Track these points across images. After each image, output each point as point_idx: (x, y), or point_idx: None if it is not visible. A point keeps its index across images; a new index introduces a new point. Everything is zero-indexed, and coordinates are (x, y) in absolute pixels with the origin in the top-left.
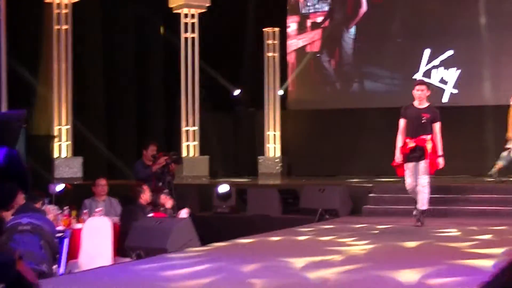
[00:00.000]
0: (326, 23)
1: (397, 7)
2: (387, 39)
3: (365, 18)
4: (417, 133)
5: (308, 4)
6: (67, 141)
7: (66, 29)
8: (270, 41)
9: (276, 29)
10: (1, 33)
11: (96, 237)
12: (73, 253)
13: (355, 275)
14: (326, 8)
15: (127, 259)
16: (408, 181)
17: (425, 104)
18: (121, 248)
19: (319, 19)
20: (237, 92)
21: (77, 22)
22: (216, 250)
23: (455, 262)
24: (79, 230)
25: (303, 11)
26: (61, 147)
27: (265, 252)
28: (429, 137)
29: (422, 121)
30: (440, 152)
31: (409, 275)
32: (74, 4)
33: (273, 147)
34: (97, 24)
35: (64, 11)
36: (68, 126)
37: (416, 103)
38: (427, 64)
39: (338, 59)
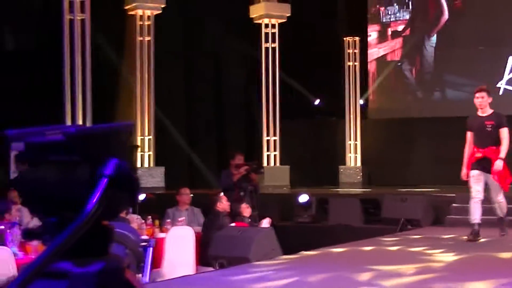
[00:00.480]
0: (407, 31)
1: (479, 14)
2: (469, 47)
3: (446, 26)
4: (485, 143)
5: (389, 12)
6: (149, 151)
7: (148, 41)
8: (350, 50)
9: (357, 38)
10: (86, 46)
11: (179, 246)
12: (157, 262)
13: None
14: (407, 17)
15: (210, 268)
16: (476, 188)
17: (489, 111)
18: (203, 257)
19: (400, 28)
20: (317, 101)
21: (158, 33)
22: (299, 260)
23: None
24: (163, 239)
25: (384, 20)
26: (144, 157)
27: (349, 261)
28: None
29: (488, 129)
30: (502, 154)
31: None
32: (156, 16)
33: (353, 157)
34: (178, 35)
35: (146, 22)
36: (151, 136)
37: (479, 112)
38: (510, 72)
39: (419, 68)
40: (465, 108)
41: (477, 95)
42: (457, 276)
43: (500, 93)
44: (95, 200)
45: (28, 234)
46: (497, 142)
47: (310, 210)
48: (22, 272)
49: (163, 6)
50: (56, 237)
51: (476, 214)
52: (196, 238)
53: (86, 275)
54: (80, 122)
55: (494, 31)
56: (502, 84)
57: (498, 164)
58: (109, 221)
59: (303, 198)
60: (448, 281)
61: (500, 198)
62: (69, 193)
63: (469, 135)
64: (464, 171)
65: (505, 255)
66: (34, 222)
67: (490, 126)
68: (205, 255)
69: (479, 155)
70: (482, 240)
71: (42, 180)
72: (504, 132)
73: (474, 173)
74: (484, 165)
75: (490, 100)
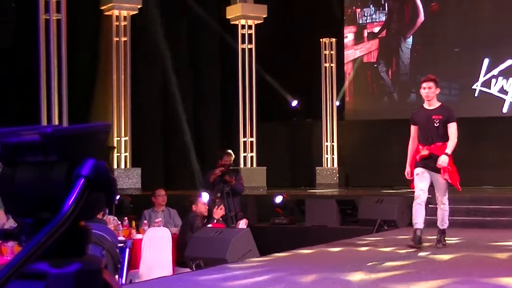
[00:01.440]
0: (383, 33)
1: (454, 16)
2: (444, 48)
3: (422, 28)
4: (431, 139)
5: (365, 14)
6: (125, 152)
7: (125, 41)
8: (327, 52)
9: (333, 40)
10: (62, 46)
11: (156, 247)
12: (134, 263)
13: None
14: (383, 18)
15: (187, 269)
16: (420, 187)
17: (436, 104)
18: (179, 258)
19: (376, 29)
20: (295, 103)
21: (135, 34)
22: (276, 261)
23: (485, 279)
24: (139, 240)
25: (360, 22)
26: (120, 158)
27: (323, 263)
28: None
29: (435, 124)
30: (448, 150)
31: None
32: (132, 16)
33: (330, 158)
34: (155, 36)
35: (123, 23)
36: (127, 138)
37: (425, 105)
38: (486, 74)
39: (395, 69)
40: None
41: (423, 85)
42: (415, 276)
43: (476, 94)
44: (72, 200)
45: (5, 235)
46: (445, 139)
47: (286, 211)
48: None
49: (139, 6)
50: (33, 238)
51: (418, 217)
52: (172, 239)
53: (63, 276)
54: (56, 122)
55: (470, 33)
56: (477, 86)
57: (443, 159)
58: (86, 222)
59: (278, 199)
60: (403, 281)
61: (445, 200)
62: (45, 194)
63: (413, 129)
64: (407, 169)
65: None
66: (9, 223)
67: (437, 120)
68: (182, 256)
69: (424, 152)
70: (458, 240)
71: (18, 180)
72: (452, 127)
73: (419, 170)
74: (430, 163)
75: (438, 91)
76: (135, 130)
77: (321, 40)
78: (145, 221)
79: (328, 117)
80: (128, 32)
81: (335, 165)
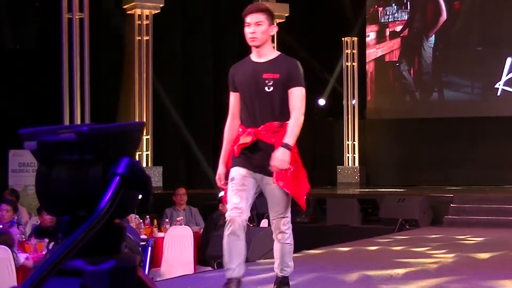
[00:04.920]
0: (406, 32)
1: (477, 15)
2: (467, 47)
3: (444, 27)
4: (259, 116)
5: (387, 13)
6: (147, 150)
7: (147, 40)
8: (348, 51)
9: (355, 39)
10: (85, 45)
11: (178, 246)
12: (155, 262)
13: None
14: (406, 17)
15: (208, 268)
16: (233, 201)
17: (271, 55)
18: (201, 257)
19: (398, 28)
20: (322, 102)
21: (157, 33)
22: (297, 260)
23: None
24: (161, 239)
25: (382, 20)
26: (142, 157)
27: (346, 261)
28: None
29: (267, 89)
30: (288, 139)
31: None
32: (154, 15)
33: (351, 157)
34: (177, 34)
35: (145, 22)
36: (149, 136)
37: (253, 55)
38: (508, 73)
39: (417, 68)
40: (464, 109)
41: (247, 19)
42: (456, 276)
43: (498, 94)
44: (108, 198)
45: (40, 233)
46: (284, 116)
47: (308, 210)
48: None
49: (161, 5)
50: (70, 235)
51: (232, 256)
52: (194, 237)
53: (99, 273)
54: (78, 122)
55: (493, 32)
56: (500, 85)
57: (279, 155)
58: (121, 219)
59: None
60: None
61: (285, 225)
62: (82, 192)
63: (233, 99)
64: (220, 169)
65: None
66: (32, 221)
67: (270, 82)
68: (203, 254)
69: (246, 140)
70: (478, 239)
71: (55, 179)
72: (297, 95)
73: (235, 172)
74: (257, 159)
75: (274, 30)
76: (157, 128)
77: (343, 39)
78: (167, 220)
79: (349, 116)
80: (150, 31)
81: (356, 164)
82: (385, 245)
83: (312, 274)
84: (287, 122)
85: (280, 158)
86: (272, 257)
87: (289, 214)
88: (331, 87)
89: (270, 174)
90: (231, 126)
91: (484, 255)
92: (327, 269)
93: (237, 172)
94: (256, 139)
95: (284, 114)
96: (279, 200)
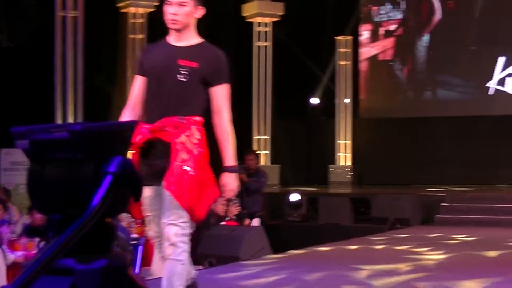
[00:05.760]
0: (400, 31)
1: (471, 15)
2: (460, 46)
3: (438, 26)
4: (161, 108)
5: (381, 12)
6: None
7: (141, 39)
8: (342, 50)
9: (349, 38)
10: (78, 43)
11: None
12: (146, 261)
13: (419, 284)
14: (400, 16)
15: (199, 267)
16: (153, 229)
17: (192, 39)
18: (192, 256)
19: (392, 27)
20: (315, 101)
21: (152, 32)
22: (289, 259)
23: None
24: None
25: (376, 19)
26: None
27: (336, 261)
28: (196, 119)
29: (179, 78)
30: (230, 161)
31: (470, 285)
32: (149, 13)
33: (344, 156)
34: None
35: (139, 20)
36: None
37: (171, 37)
38: (501, 72)
39: (411, 67)
40: (456, 108)
41: None
42: (446, 275)
43: (491, 93)
44: (99, 197)
45: (31, 231)
46: (191, 109)
47: (300, 209)
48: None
49: (156, 4)
50: (61, 234)
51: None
52: None
53: (90, 272)
54: (71, 120)
55: (486, 32)
56: (492, 84)
57: (231, 186)
58: (113, 218)
59: (295, 197)
60: (438, 279)
61: (176, 236)
62: (73, 190)
63: (137, 84)
64: None
65: (493, 253)
66: (23, 220)
67: (186, 69)
68: (194, 253)
69: (136, 139)
70: (469, 238)
71: (46, 177)
72: (223, 94)
73: (143, 193)
74: (156, 163)
75: (199, 13)
76: None
77: (336, 37)
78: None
79: (342, 115)
80: (145, 30)
81: (349, 163)
82: (377, 244)
83: (287, 272)
84: (192, 116)
85: (230, 187)
86: (264, 255)
87: (183, 224)
88: (324, 86)
89: (161, 179)
90: (127, 117)
91: (474, 254)
92: (319, 269)
93: (143, 192)
94: (153, 137)
95: (191, 109)
96: (169, 204)
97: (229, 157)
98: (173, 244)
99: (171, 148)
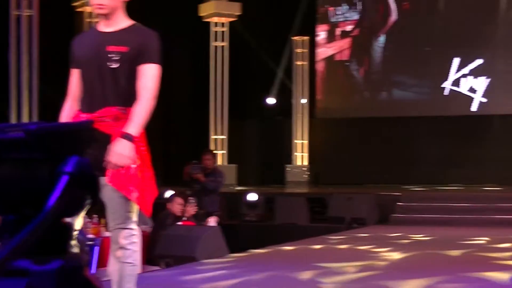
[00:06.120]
0: (356, 31)
1: (426, 16)
2: (416, 47)
3: (394, 27)
4: (98, 98)
5: (338, 13)
6: None
7: None
8: (299, 50)
9: (306, 38)
10: (33, 42)
11: None
12: (102, 261)
13: (363, 284)
14: (356, 17)
15: (156, 268)
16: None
17: (123, 23)
18: (150, 256)
19: (349, 28)
20: (271, 100)
21: None
22: (246, 258)
23: (467, 274)
24: (109, 238)
25: (333, 20)
26: None
27: (295, 259)
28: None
29: (109, 65)
30: (132, 128)
31: (413, 285)
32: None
33: (300, 156)
34: None
35: (95, 20)
36: None
37: (101, 25)
38: (456, 73)
39: (367, 68)
40: (412, 108)
41: None
42: (394, 274)
43: (446, 93)
44: (56, 197)
45: None
46: (130, 99)
47: (257, 209)
48: None
49: None
50: (16, 235)
51: None
52: (142, 237)
53: (45, 273)
54: (26, 120)
55: (441, 33)
56: (447, 85)
57: (119, 151)
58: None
59: (252, 196)
60: (383, 279)
61: (125, 239)
62: (29, 190)
63: (73, 78)
64: None
65: (451, 252)
66: None
67: (116, 55)
68: (151, 254)
69: None
70: (424, 238)
71: (2, 177)
72: (148, 73)
73: None
74: (94, 154)
75: None
76: None
77: (293, 38)
78: None
79: (299, 115)
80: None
81: (305, 162)
82: (333, 244)
83: (261, 272)
84: (130, 107)
85: (119, 152)
86: (220, 256)
87: (133, 225)
88: (281, 86)
89: (103, 171)
90: (68, 110)
91: (427, 253)
92: (275, 268)
93: None
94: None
95: (131, 98)
96: (117, 206)
97: (133, 125)
98: (122, 248)
99: (110, 140)
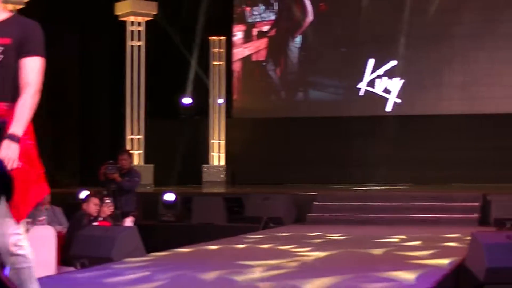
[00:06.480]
0: (272, 32)
1: (342, 17)
2: (332, 48)
3: (310, 27)
4: None
5: (255, 13)
6: None
7: None
8: (216, 50)
9: (222, 38)
10: None
11: (40, 246)
12: None
13: (272, 282)
14: (273, 17)
15: (71, 268)
16: None
17: (1, 15)
18: (65, 257)
19: (265, 28)
20: (188, 100)
21: None
22: (162, 259)
23: (370, 273)
24: None
25: (250, 20)
26: None
27: (209, 261)
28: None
29: None
30: (16, 128)
31: (318, 283)
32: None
33: (217, 155)
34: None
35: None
36: None
37: None
38: (371, 74)
39: (283, 68)
40: (328, 109)
41: None
42: (309, 272)
43: (361, 94)
44: None
45: None
46: (17, 93)
47: (174, 209)
48: None
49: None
50: None
51: None
52: (57, 237)
53: None
54: None
55: (356, 34)
56: (362, 86)
57: (4, 153)
58: None
59: (169, 196)
60: (299, 277)
61: (15, 246)
62: None
63: None
64: None
65: (364, 251)
66: None
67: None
68: (67, 255)
69: None
70: (346, 237)
71: None
72: (32, 66)
73: None
74: None
75: None
76: None
77: (210, 38)
78: (29, 220)
79: (216, 114)
80: None
81: (222, 162)
82: (250, 243)
83: (176, 272)
84: (15, 103)
85: (4, 154)
86: (137, 256)
87: (18, 229)
88: (198, 86)
89: None
90: None
91: (341, 252)
92: (191, 268)
93: None
94: None
95: (18, 93)
96: (3, 212)
97: (18, 124)
98: (15, 255)
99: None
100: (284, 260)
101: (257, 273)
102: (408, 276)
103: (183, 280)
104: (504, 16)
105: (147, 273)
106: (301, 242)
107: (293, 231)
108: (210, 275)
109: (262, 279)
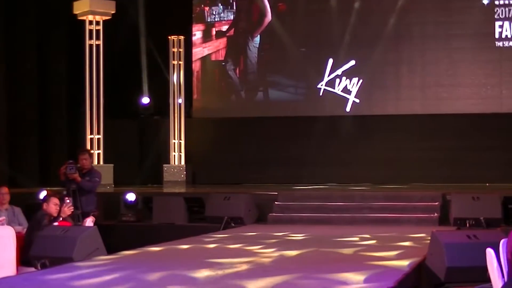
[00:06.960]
0: (231, 31)
1: (301, 17)
2: (291, 48)
3: (269, 27)
4: None
5: (214, 12)
6: None
7: None
8: (175, 49)
9: (181, 37)
10: None
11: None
12: None
13: (216, 284)
14: (231, 17)
15: (31, 269)
16: None
17: None
18: (25, 257)
19: (224, 28)
20: (146, 100)
21: None
22: (123, 259)
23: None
24: None
25: (209, 20)
26: None
27: (171, 261)
28: None
29: None
30: None
31: (263, 283)
32: None
33: (177, 155)
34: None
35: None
36: None
37: None
38: (330, 74)
39: (242, 68)
40: (288, 109)
41: None
42: (260, 272)
43: (321, 94)
44: None
45: None
46: None
47: (135, 209)
48: None
49: None
50: None
51: None
52: (17, 238)
53: None
54: None
55: (315, 34)
56: (322, 85)
57: None
58: None
59: (130, 196)
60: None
61: None
62: None
63: None
64: None
65: (323, 251)
66: None
67: None
68: (27, 255)
69: None
70: (306, 236)
71: None
72: None
73: None
74: None
75: None
76: None
77: (169, 37)
78: None
79: (176, 114)
80: None
81: (182, 162)
82: (214, 243)
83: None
84: None
85: None
86: (98, 256)
87: None
88: (157, 85)
89: None
90: None
91: (298, 252)
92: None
93: None
94: None
95: None
96: None
97: None
98: None
99: None
100: (238, 259)
101: (205, 273)
102: (358, 277)
103: (123, 279)
104: (462, 17)
105: (107, 273)
106: (260, 241)
107: (253, 230)
108: (153, 276)
109: (209, 281)
